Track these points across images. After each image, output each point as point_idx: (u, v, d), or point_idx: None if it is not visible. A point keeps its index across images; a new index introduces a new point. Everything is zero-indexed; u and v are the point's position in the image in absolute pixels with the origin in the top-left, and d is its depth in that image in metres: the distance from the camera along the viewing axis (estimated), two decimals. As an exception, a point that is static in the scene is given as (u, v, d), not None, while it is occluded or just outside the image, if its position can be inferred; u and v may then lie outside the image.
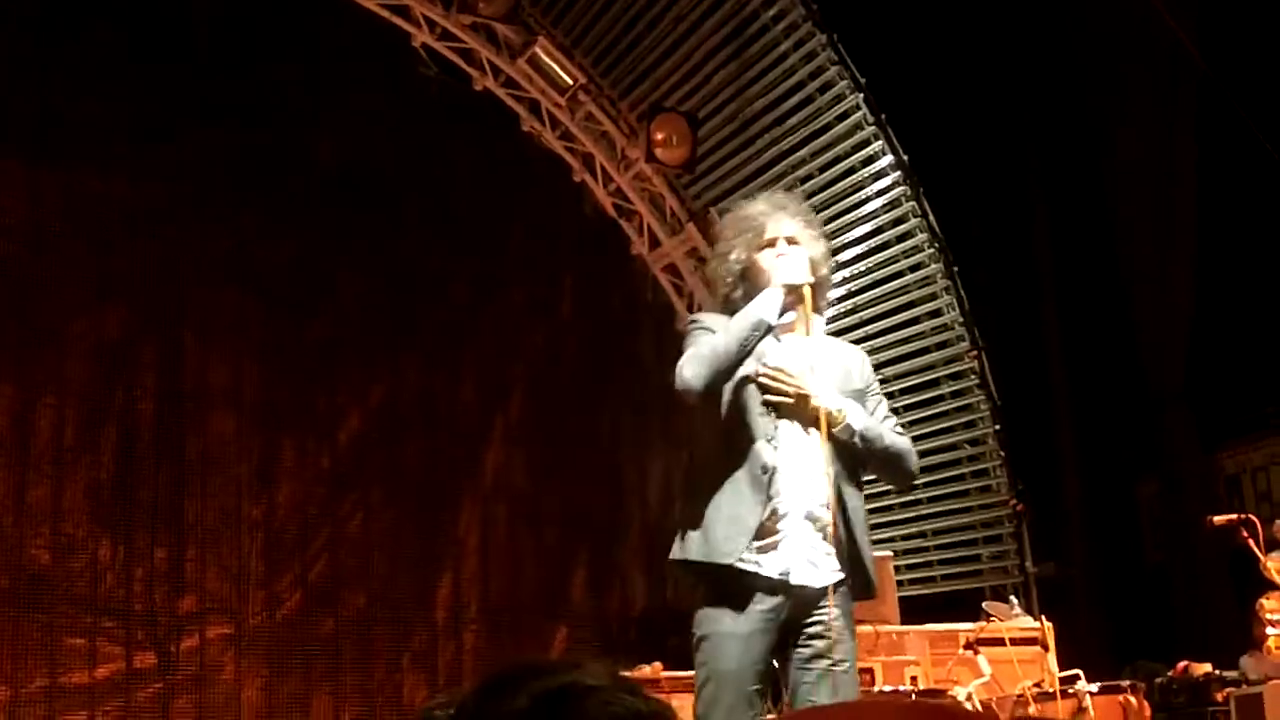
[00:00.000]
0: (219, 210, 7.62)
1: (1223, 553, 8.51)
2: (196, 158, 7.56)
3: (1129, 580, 10.18)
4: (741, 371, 3.40)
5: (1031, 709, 5.53)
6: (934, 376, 8.48)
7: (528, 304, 8.63)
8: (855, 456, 3.47)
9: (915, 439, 8.27)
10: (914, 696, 5.75)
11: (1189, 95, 9.52)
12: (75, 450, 7.09)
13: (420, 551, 7.95)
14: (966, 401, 8.47)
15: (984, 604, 6.55)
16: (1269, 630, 5.94)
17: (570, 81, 8.26)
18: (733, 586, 3.34)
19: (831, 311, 3.85)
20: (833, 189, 8.26)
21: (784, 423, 3.42)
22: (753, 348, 3.39)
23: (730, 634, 3.32)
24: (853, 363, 3.63)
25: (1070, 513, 10.06)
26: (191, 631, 7.22)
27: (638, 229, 8.87)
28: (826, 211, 7.88)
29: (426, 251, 8.23)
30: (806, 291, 3.46)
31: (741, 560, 3.33)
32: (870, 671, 6.24)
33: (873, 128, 8.27)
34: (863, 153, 8.32)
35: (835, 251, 3.55)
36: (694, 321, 3.62)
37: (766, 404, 3.41)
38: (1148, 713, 5.86)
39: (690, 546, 3.40)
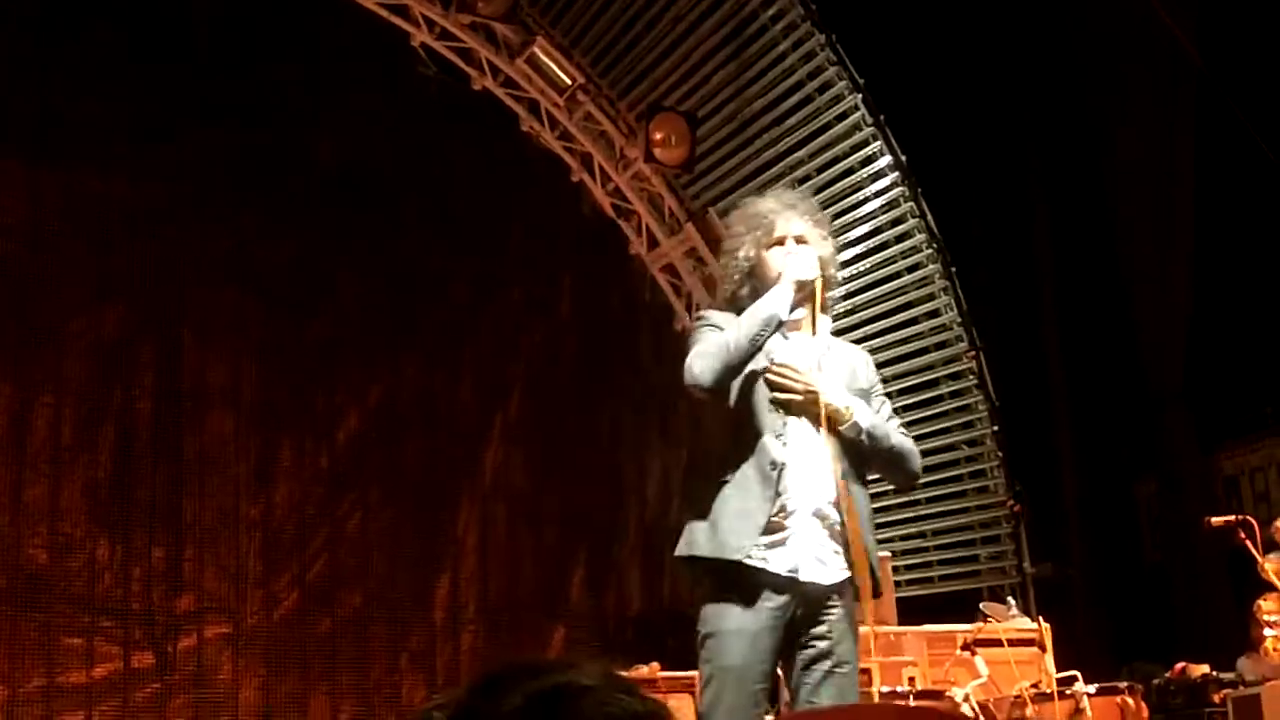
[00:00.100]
0: (218, 210, 7.62)
1: (1221, 554, 8.51)
2: (196, 157, 7.56)
3: (1127, 581, 10.17)
4: (750, 367, 3.40)
5: (1029, 710, 5.53)
6: (932, 377, 8.49)
7: (526, 304, 8.63)
8: (860, 455, 3.47)
9: (914, 439, 8.31)
10: (911, 697, 5.75)
11: (1188, 95, 9.51)
12: (73, 449, 7.09)
13: (419, 551, 7.95)
14: (965, 402, 8.48)
15: (981, 605, 6.55)
16: (1267, 632, 5.93)
17: (569, 81, 8.26)
18: (740, 583, 3.31)
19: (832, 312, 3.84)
20: (831, 189, 8.26)
21: (792, 419, 3.41)
22: (763, 343, 3.38)
23: (737, 630, 3.29)
24: (858, 363, 3.63)
25: (1068, 513, 10.05)
26: (189, 631, 7.22)
27: (636, 229, 8.87)
28: (825, 212, 7.87)
29: (425, 251, 8.24)
30: (818, 286, 3.46)
31: (749, 556, 3.30)
32: (867, 672, 6.23)
33: (871, 128, 8.27)
34: (861, 153, 8.32)
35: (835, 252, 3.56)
36: (700, 318, 3.61)
37: (775, 400, 3.41)
38: (1145, 714, 5.85)
39: (697, 542, 3.37)
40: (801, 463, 3.38)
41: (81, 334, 7.22)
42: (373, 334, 8.04)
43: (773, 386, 3.41)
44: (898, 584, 7.85)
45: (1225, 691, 5.99)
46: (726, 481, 3.37)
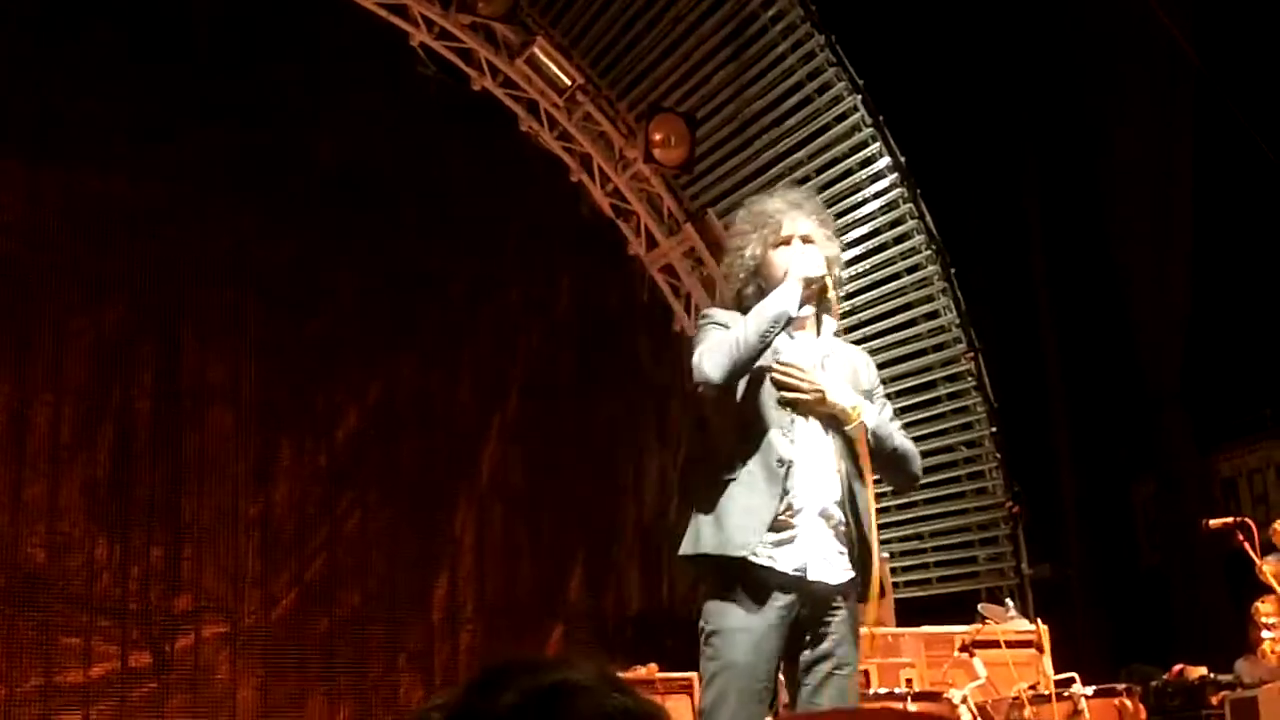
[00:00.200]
0: (218, 209, 7.62)
1: (1219, 556, 8.51)
2: (196, 157, 7.56)
3: (1125, 583, 10.18)
4: (757, 364, 3.39)
5: (1027, 712, 5.53)
6: (931, 378, 8.49)
7: (525, 304, 8.63)
8: (865, 456, 3.46)
9: (912, 440, 8.31)
10: (909, 699, 5.75)
11: (1186, 95, 9.52)
12: (72, 448, 7.09)
13: (417, 551, 7.95)
14: (963, 403, 8.48)
15: (979, 606, 6.55)
16: (1264, 634, 5.94)
17: (568, 81, 8.27)
18: (746, 580, 3.30)
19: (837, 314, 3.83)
20: (830, 190, 8.26)
21: (799, 418, 3.41)
22: (772, 340, 3.37)
23: (743, 628, 3.28)
24: (859, 363, 3.63)
25: (1066, 515, 10.05)
26: (187, 630, 7.21)
27: (635, 229, 8.88)
28: (830, 212, 7.88)
29: (424, 251, 8.24)
30: (829, 282, 3.46)
31: (756, 554, 3.29)
32: (865, 673, 6.24)
33: (870, 129, 8.27)
34: (860, 154, 8.33)
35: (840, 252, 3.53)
36: (705, 316, 3.60)
37: (782, 399, 3.40)
38: (1143, 716, 5.85)
39: (703, 539, 3.36)
40: (809, 461, 3.37)
41: (81, 333, 7.22)
42: (372, 334, 8.04)
43: (779, 385, 3.41)
44: (896, 585, 7.86)
45: (1223, 693, 6.00)
46: (733, 479, 3.35)
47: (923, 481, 8.21)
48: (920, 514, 8.48)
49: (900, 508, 8.28)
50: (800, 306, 3.44)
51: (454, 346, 8.32)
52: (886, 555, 7.58)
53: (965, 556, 8.53)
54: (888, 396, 3.81)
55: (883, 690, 6.02)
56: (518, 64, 8.23)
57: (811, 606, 3.34)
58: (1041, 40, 10.26)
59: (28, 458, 6.98)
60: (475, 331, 8.40)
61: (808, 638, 3.35)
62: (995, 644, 6.05)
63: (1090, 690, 5.56)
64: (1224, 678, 6.20)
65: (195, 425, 7.43)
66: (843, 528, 3.40)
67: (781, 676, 3.45)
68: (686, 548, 3.42)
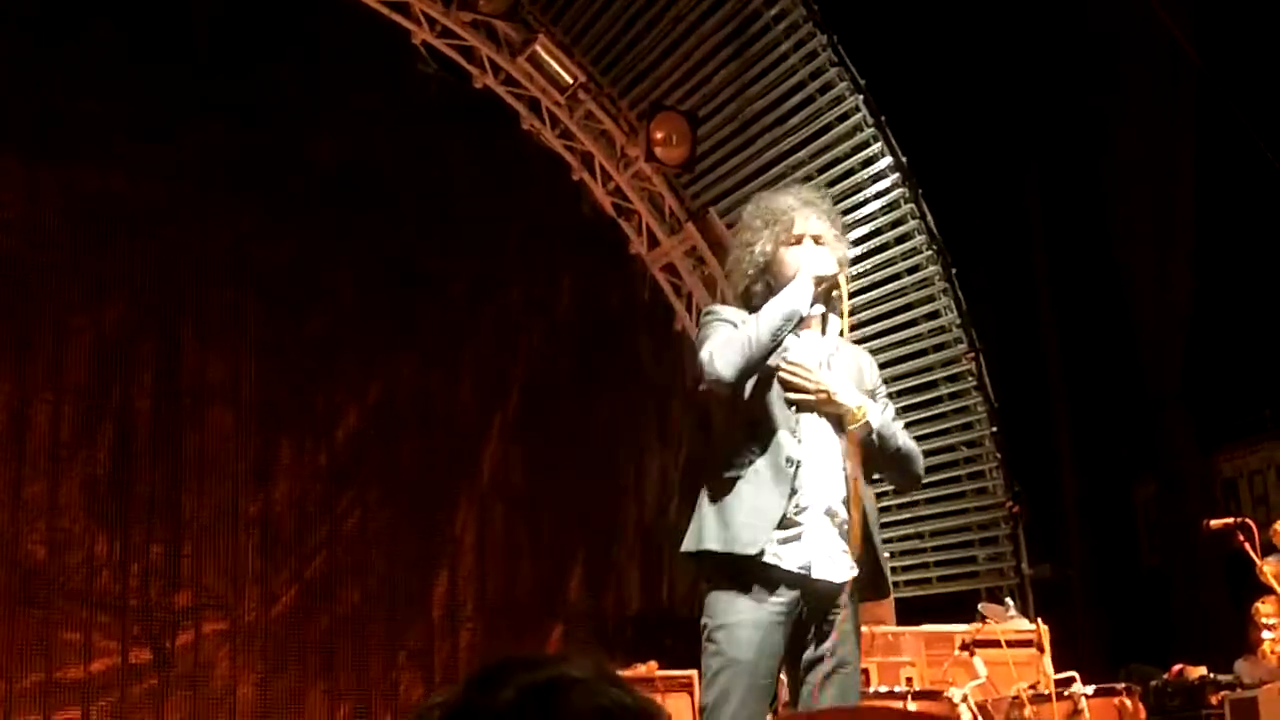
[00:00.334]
0: (218, 208, 7.62)
1: (1219, 556, 8.51)
2: (196, 156, 7.56)
3: (1125, 583, 10.18)
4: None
5: (1027, 711, 5.53)
6: (932, 378, 8.49)
7: (526, 303, 8.63)
8: (869, 455, 3.46)
9: (913, 440, 8.31)
10: (909, 697, 5.75)
11: (1188, 95, 9.52)
12: (72, 446, 7.09)
13: (417, 549, 7.95)
14: (964, 403, 8.48)
15: (979, 606, 6.55)
16: (1265, 634, 5.94)
17: (570, 80, 8.27)
18: (752, 578, 3.29)
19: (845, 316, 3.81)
20: (832, 190, 8.25)
21: (805, 416, 3.40)
22: (783, 339, 3.36)
23: (748, 623, 3.27)
24: (863, 363, 3.63)
25: (1067, 515, 10.05)
26: (187, 627, 7.22)
27: (636, 228, 8.88)
28: (840, 212, 7.88)
29: (425, 250, 8.24)
30: (842, 281, 3.45)
31: (764, 552, 3.28)
32: (866, 672, 6.24)
33: (872, 129, 8.27)
34: (862, 154, 8.32)
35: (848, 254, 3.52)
36: (711, 313, 3.56)
37: (789, 398, 3.39)
38: (1143, 716, 5.86)
39: (708, 536, 3.34)
40: (815, 460, 3.37)
41: (81, 331, 7.22)
42: (372, 333, 8.04)
43: (786, 384, 3.40)
44: (896, 584, 7.86)
45: (1223, 694, 6.00)
46: (740, 477, 3.34)
47: (923, 481, 8.29)
48: (920, 513, 8.49)
49: (901, 507, 8.29)
50: (810, 305, 3.43)
51: (455, 346, 8.32)
52: (887, 555, 7.57)
53: (965, 556, 8.53)
54: (889, 396, 3.81)
55: (883, 689, 6.02)
56: (519, 62, 8.23)
57: (814, 604, 3.33)
58: (1043, 40, 10.27)
59: (28, 455, 6.98)
60: (476, 330, 8.40)
61: (810, 636, 3.34)
62: (995, 643, 6.05)
63: (1090, 690, 5.56)
64: (1224, 678, 6.21)
65: (195, 424, 7.43)
66: (846, 526, 3.40)
67: (782, 675, 3.45)
68: (690, 545, 3.41)
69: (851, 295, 3.55)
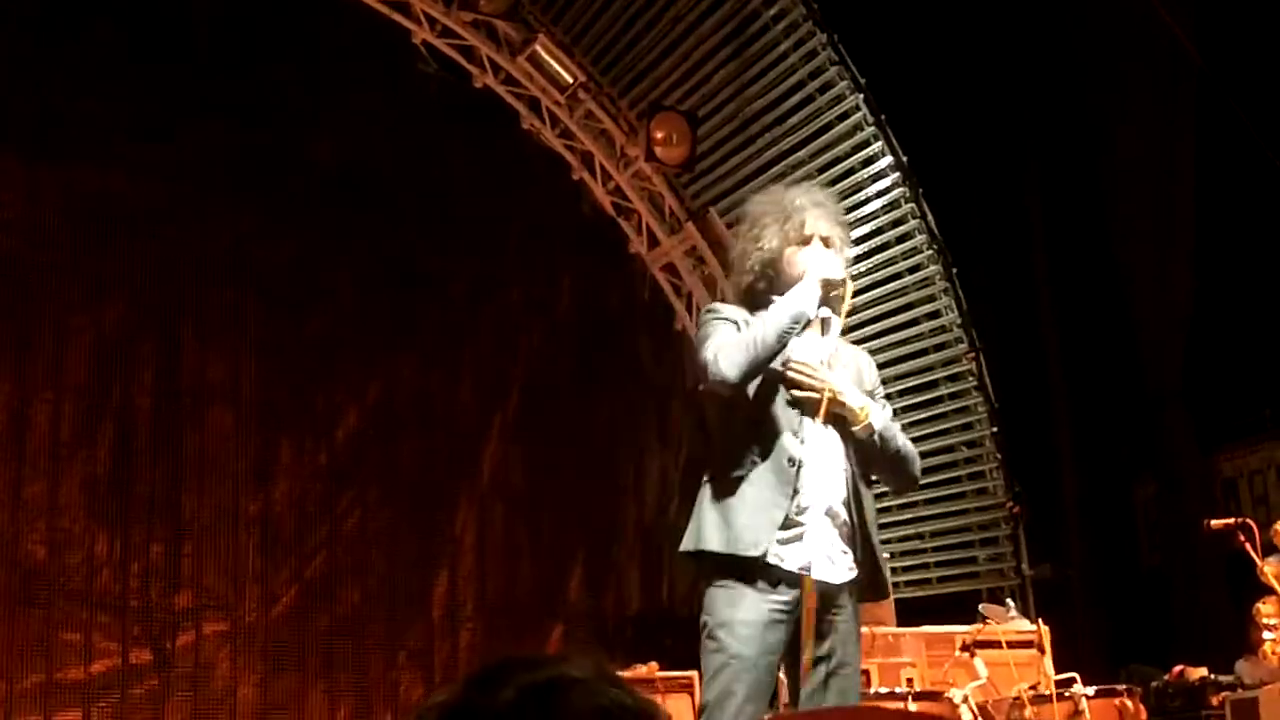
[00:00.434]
0: (218, 208, 7.62)
1: (1219, 556, 8.51)
2: (195, 156, 7.56)
3: (1126, 583, 10.18)
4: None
5: (1028, 712, 5.52)
6: (932, 378, 8.49)
7: (525, 303, 8.63)
8: (867, 456, 3.46)
9: (913, 441, 8.28)
10: (910, 698, 5.74)
11: (1188, 94, 9.51)
12: (72, 446, 7.09)
13: (417, 549, 7.95)
14: (964, 403, 8.48)
15: (980, 606, 6.54)
16: (1265, 635, 5.94)
17: (570, 79, 8.27)
18: (751, 577, 3.29)
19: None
20: (832, 189, 8.24)
21: (807, 417, 3.39)
22: (789, 341, 3.35)
23: (750, 621, 3.27)
24: (863, 364, 3.63)
25: (1067, 515, 10.05)
26: (187, 628, 7.21)
27: (636, 228, 8.88)
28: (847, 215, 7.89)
29: (425, 250, 8.23)
30: (849, 286, 3.44)
31: (765, 553, 3.28)
32: (866, 673, 6.24)
33: (872, 128, 8.27)
34: (862, 153, 8.32)
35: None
36: (711, 311, 3.54)
37: (791, 398, 3.39)
38: (1144, 716, 5.85)
39: (709, 536, 3.34)
40: (817, 461, 3.37)
41: (81, 331, 7.22)
42: (372, 333, 8.04)
43: (790, 385, 3.39)
44: (896, 585, 7.86)
45: (1223, 694, 6.00)
46: (742, 477, 3.34)
47: (924, 481, 8.28)
48: (921, 514, 8.48)
49: (901, 507, 8.29)
50: (817, 309, 3.42)
51: (454, 346, 8.31)
52: (887, 555, 7.57)
53: (966, 556, 8.53)
54: (887, 396, 3.81)
55: (884, 690, 6.02)
56: (519, 61, 8.23)
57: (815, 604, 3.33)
58: (1043, 40, 10.26)
59: (28, 455, 6.98)
60: (476, 330, 8.40)
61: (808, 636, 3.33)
62: (996, 644, 6.04)
63: (1091, 690, 5.56)
64: (1224, 678, 6.21)
65: (195, 424, 7.43)
66: (846, 528, 3.39)
67: (782, 675, 3.44)
68: (689, 544, 3.40)
69: (852, 295, 3.54)
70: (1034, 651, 6.08)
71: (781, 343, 3.34)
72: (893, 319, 8.40)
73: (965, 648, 5.96)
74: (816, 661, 3.33)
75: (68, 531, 6.99)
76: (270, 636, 7.41)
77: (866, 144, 8.30)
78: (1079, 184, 10.28)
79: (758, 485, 3.33)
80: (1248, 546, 5.44)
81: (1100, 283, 10.16)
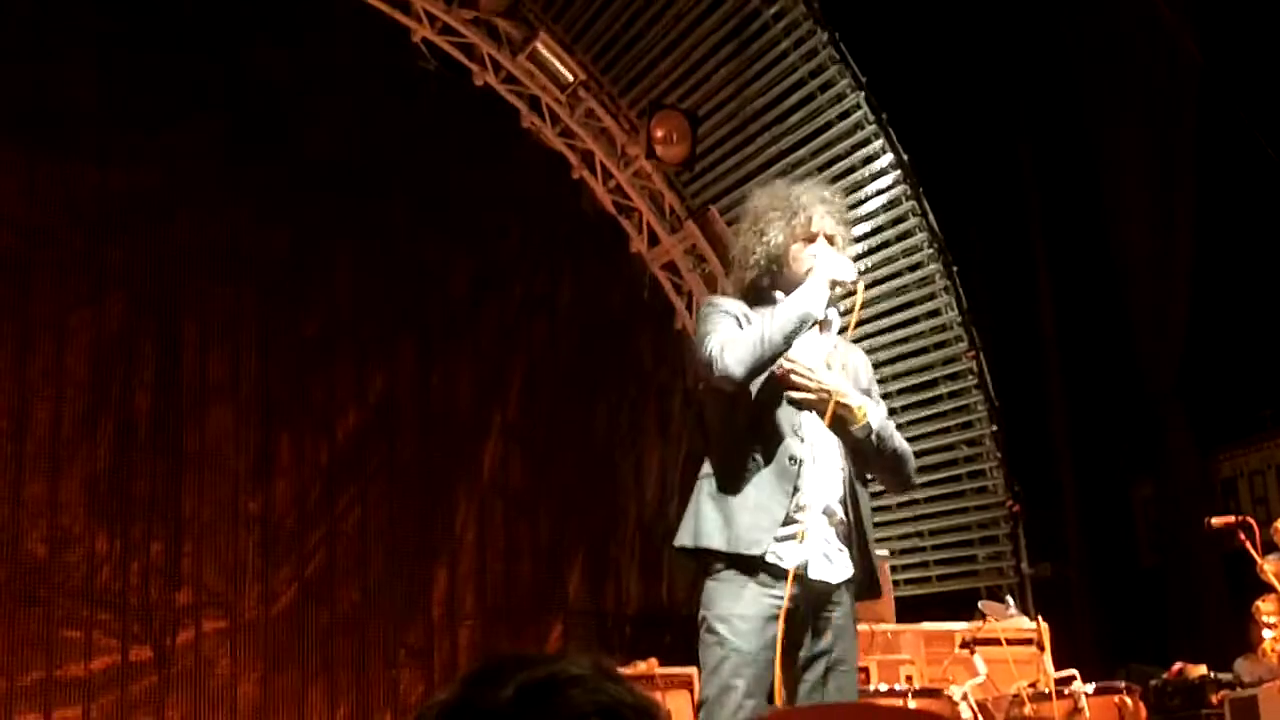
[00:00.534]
0: (217, 204, 7.62)
1: (1218, 555, 8.51)
2: (195, 151, 7.55)
3: (1125, 581, 10.18)
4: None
5: (1027, 709, 5.53)
6: (932, 377, 8.49)
7: (525, 300, 8.63)
8: (864, 455, 3.46)
9: (913, 439, 8.27)
10: (909, 695, 5.75)
11: (1188, 94, 9.51)
12: (72, 443, 7.09)
13: (417, 547, 7.95)
14: (964, 402, 8.48)
15: (980, 604, 6.55)
16: (1265, 633, 5.95)
17: (571, 78, 8.27)
18: (753, 572, 3.29)
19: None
20: (833, 188, 8.24)
21: (805, 416, 3.39)
22: (794, 341, 3.33)
23: (751, 615, 3.26)
24: (859, 363, 3.62)
25: (1066, 513, 10.05)
26: (187, 625, 7.21)
27: (637, 226, 8.88)
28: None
29: (425, 248, 8.24)
30: (860, 288, 3.41)
31: (767, 552, 3.28)
32: (865, 670, 6.24)
33: (873, 127, 8.27)
34: (862, 152, 8.32)
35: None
36: (711, 304, 3.52)
37: (790, 397, 3.38)
38: (1143, 714, 5.85)
39: (707, 533, 3.33)
40: (817, 460, 3.37)
41: (80, 328, 7.21)
42: (372, 329, 8.04)
43: (789, 384, 3.39)
44: (896, 583, 7.86)
45: (1223, 693, 6.01)
46: (743, 476, 3.33)
47: (923, 480, 8.31)
48: (920, 512, 8.48)
49: (901, 506, 8.29)
50: (825, 310, 3.41)
51: (454, 344, 8.31)
52: (886, 553, 7.59)
53: (965, 555, 8.53)
54: (887, 395, 3.82)
55: (883, 687, 6.02)
56: (520, 59, 8.23)
57: (810, 603, 3.33)
58: (1043, 39, 10.26)
59: (28, 453, 6.98)
60: (476, 328, 8.40)
61: (806, 634, 3.34)
62: (996, 641, 6.05)
63: (1090, 688, 5.56)
64: (1224, 677, 6.22)
65: (195, 420, 7.42)
66: (843, 526, 3.40)
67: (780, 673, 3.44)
68: (685, 540, 3.38)
69: (852, 293, 3.52)
70: (1033, 649, 6.08)
71: (788, 343, 3.32)
72: (892, 318, 8.40)
73: (965, 645, 5.97)
74: (814, 658, 3.33)
75: (67, 529, 6.99)
76: (270, 634, 7.41)
77: (867, 142, 8.30)
78: (1079, 184, 10.27)
79: (759, 484, 3.32)
80: (1248, 544, 5.45)
81: (1100, 282, 10.16)
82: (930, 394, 8.49)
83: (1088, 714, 5.46)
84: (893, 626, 6.79)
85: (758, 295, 3.50)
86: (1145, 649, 8.27)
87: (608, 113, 8.57)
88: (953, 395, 8.49)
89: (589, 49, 8.45)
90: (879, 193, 8.34)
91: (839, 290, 3.45)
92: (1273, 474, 9.90)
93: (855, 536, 3.41)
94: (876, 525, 3.76)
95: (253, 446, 7.54)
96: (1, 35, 7.11)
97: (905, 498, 8.09)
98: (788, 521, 3.32)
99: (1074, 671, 5.63)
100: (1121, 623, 9.66)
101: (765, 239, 3.47)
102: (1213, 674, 6.23)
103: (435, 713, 1.27)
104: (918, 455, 8.10)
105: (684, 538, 3.40)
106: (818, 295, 3.37)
